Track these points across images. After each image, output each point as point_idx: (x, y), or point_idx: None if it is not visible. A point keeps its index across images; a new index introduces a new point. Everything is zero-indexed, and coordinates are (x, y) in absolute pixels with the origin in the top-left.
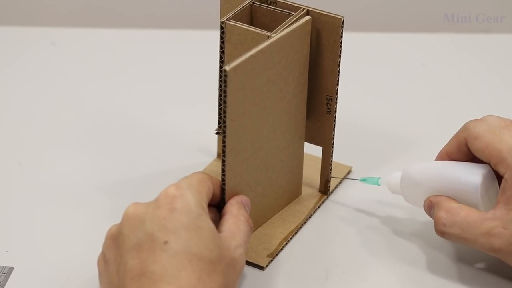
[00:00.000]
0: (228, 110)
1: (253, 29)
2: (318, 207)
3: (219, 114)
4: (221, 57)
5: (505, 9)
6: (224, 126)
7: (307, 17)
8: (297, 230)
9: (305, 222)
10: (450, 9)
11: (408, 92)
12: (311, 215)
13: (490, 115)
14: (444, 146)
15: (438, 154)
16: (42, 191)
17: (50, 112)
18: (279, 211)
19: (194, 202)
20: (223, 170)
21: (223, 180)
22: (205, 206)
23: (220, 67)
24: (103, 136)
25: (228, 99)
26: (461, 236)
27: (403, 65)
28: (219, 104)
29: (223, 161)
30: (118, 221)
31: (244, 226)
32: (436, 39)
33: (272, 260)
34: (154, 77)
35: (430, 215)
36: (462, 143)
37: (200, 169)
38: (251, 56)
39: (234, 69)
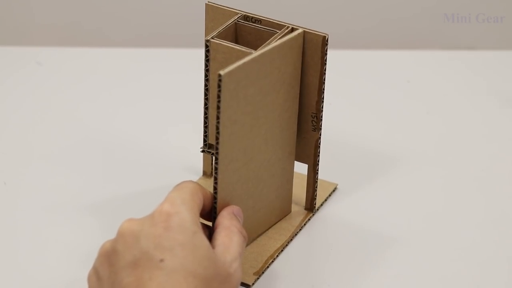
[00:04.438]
0: (221, 116)
1: (237, 47)
2: (304, 224)
3: (205, 132)
4: (206, 75)
5: (505, 9)
6: (217, 133)
7: (300, 30)
8: (283, 248)
9: (291, 239)
10: (450, 9)
11: (393, 109)
12: (297, 232)
13: None
14: None
15: None
16: (27, 210)
17: (35, 131)
18: (268, 228)
19: (189, 220)
20: (215, 178)
21: (215, 189)
22: (199, 222)
23: (205, 85)
24: (88, 154)
25: (221, 105)
26: None
27: (388, 82)
28: (205, 122)
29: (216, 169)
30: (104, 239)
31: (238, 237)
32: (421, 56)
33: (258, 278)
34: (140, 95)
35: None
36: None
37: None
38: (244, 63)
39: (229, 74)
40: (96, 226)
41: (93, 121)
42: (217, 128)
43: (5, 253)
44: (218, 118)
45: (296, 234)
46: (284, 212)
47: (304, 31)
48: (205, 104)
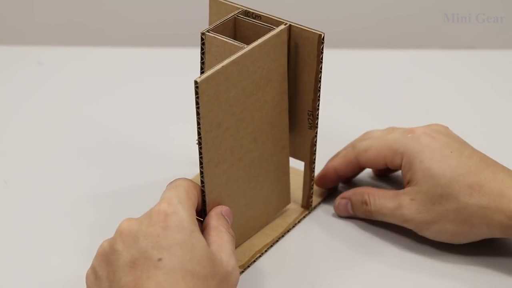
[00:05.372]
0: (202, 121)
1: (230, 41)
2: (298, 221)
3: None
4: (201, 68)
5: (505, 9)
6: (200, 138)
7: (282, 27)
8: (273, 243)
9: (283, 236)
10: (450, 9)
11: (393, 108)
12: (290, 229)
13: (372, 130)
14: (331, 162)
15: (325, 167)
16: (27, 208)
17: (35, 131)
18: (267, 222)
19: (187, 219)
20: (202, 182)
21: (203, 191)
22: (196, 221)
23: None
24: (88, 153)
25: (201, 111)
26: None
27: (387, 82)
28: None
29: (202, 173)
30: (106, 236)
31: (226, 236)
32: (420, 55)
33: (243, 272)
34: (140, 95)
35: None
36: (351, 161)
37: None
38: (223, 67)
39: (206, 80)
40: (98, 224)
41: (93, 120)
42: (199, 133)
43: (5, 251)
44: (198, 124)
45: (288, 231)
46: (283, 204)
47: (290, 26)
48: None
